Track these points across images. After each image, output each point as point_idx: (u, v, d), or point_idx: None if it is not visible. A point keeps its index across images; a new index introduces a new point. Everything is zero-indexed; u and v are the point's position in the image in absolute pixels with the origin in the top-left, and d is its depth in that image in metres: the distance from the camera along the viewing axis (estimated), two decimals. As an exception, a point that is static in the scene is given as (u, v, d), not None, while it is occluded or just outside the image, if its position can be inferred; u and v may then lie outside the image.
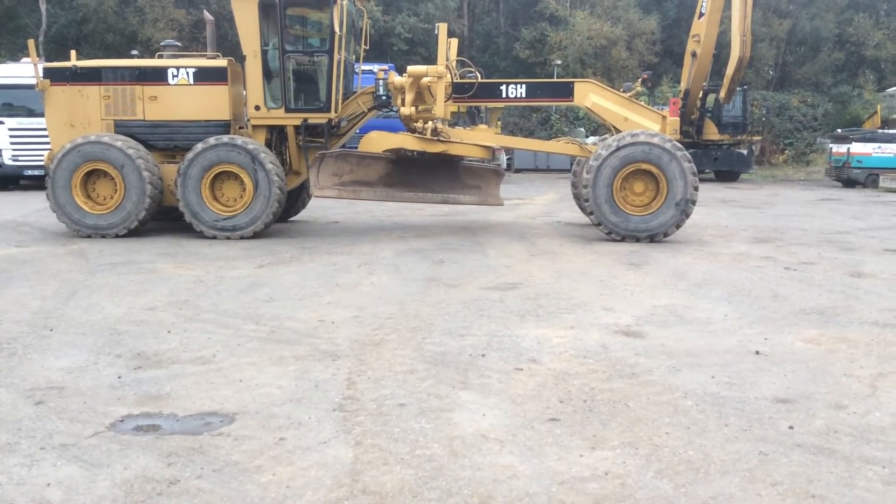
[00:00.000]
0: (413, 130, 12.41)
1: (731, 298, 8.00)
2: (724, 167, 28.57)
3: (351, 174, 12.59)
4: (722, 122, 27.80)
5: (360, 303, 7.67)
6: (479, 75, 12.96)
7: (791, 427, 4.50)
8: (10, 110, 21.09)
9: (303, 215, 14.99)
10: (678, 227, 11.82)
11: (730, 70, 25.26)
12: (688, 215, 11.77)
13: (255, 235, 12.02)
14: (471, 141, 12.83)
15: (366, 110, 13.04)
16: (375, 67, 14.32)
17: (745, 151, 28.64)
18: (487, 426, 4.49)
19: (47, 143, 12.99)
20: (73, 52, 13.13)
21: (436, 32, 12.38)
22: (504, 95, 12.86)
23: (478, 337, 6.41)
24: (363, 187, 12.82)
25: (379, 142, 12.59)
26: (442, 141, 12.39)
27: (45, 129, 12.96)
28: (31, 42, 13.12)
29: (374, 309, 7.39)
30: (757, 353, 6.00)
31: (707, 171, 28.18)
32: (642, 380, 5.34)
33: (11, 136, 20.95)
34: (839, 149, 26.73)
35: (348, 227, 13.98)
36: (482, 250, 11.16)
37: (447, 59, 12.37)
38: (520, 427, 4.48)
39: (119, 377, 5.34)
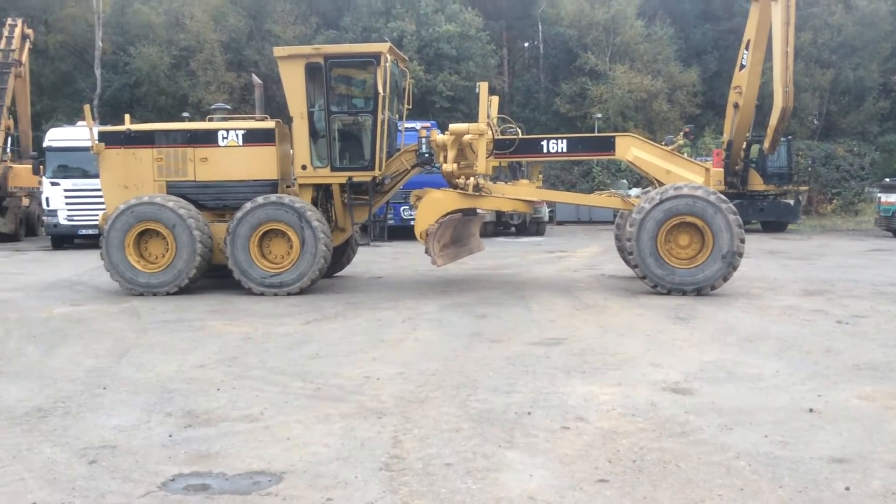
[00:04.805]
0: (455, 187, 12.54)
1: (782, 353, 7.85)
2: (770, 218, 28.21)
3: (442, 238, 12.43)
4: (767, 172, 27.52)
5: (405, 359, 7.70)
6: (519, 131, 13.10)
7: (847, 488, 4.38)
8: (66, 172, 21.91)
9: (348, 271, 15.15)
10: (725, 279, 11.68)
11: (773, 121, 25.09)
12: (735, 268, 11.63)
13: (302, 292, 12.18)
14: (513, 196, 12.92)
15: (409, 168, 13.24)
16: (418, 125, 14.56)
17: (791, 202, 28.27)
18: (535, 487, 4.45)
19: (101, 203, 13.44)
20: (127, 116, 13.62)
21: (477, 91, 12.58)
22: (545, 151, 12.99)
23: (523, 394, 6.38)
24: (447, 249, 12.77)
25: (446, 203, 12.43)
26: (485, 196, 12.50)
27: (98, 191, 13.46)
28: (86, 107, 13.66)
29: (418, 365, 7.41)
30: (810, 410, 5.86)
31: (753, 221, 27.82)
32: (693, 439, 5.24)
33: (67, 197, 21.74)
34: (888, 198, 26.19)
35: (392, 282, 14.09)
36: (525, 304, 11.14)
37: (488, 117, 12.54)
38: (568, 488, 4.43)
39: (170, 436, 5.43)
